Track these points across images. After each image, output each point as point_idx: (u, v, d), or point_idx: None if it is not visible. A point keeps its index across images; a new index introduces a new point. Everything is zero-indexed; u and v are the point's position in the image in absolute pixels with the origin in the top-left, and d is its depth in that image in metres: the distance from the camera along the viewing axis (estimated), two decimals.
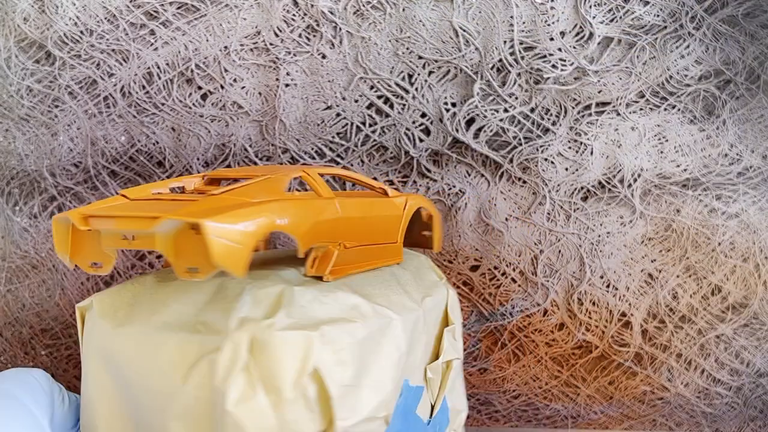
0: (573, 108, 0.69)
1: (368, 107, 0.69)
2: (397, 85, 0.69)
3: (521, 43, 0.68)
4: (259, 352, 0.38)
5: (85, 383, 0.42)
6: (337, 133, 0.70)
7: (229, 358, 0.38)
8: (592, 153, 0.70)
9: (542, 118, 0.69)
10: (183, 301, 0.42)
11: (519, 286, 0.71)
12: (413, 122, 0.69)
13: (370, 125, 0.69)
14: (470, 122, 0.69)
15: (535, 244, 0.71)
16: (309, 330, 0.39)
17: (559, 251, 0.71)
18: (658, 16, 0.67)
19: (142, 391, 0.39)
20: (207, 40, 0.68)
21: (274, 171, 0.48)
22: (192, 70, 0.68)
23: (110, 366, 0.41)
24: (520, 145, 0.69)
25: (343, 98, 0.69)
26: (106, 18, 0.68)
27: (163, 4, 0.67)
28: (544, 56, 0.68)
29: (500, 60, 0.68)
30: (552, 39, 0.68)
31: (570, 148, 0.70)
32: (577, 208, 0.70)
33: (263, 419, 0.38)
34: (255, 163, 0.70)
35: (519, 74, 0.68)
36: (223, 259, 0.36)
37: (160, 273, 0.47)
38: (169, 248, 0.37)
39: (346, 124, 0.69)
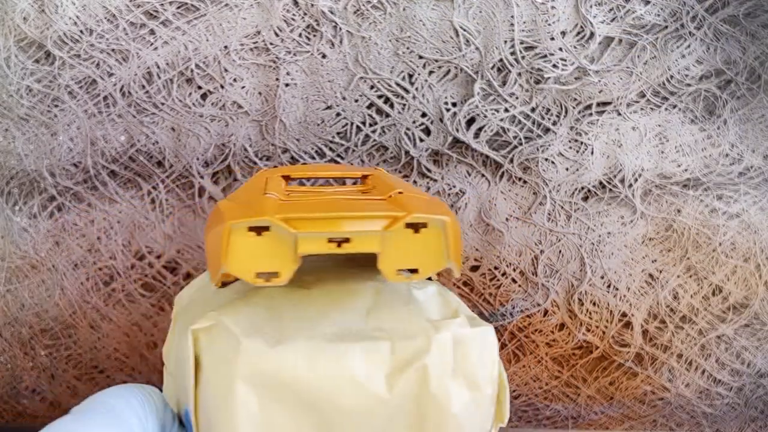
0: (574, 108, 0.69)
1: (368, 107, 0.69)
2: (398, 84, 0.69)
3: (522, 43, 0.68)
4: (460, 352, 0.38)
5: (226, 415, 0.36)
6: (337, 133, 0.69)
7: (440, 362, 0.37)
8: (592, 153, 0.69)
9: (543, 118, 0.69)
10: (341, 309, 0.39)
11: (519, 286, 0.71)
12: (413, 122, 0.69)
13: (370, 125, 0.69)
14: (470, 122, 0.69)
15: (536, 244, 0.70)
16: (487, 326, 0.39)
17: (560, 251, 0.71)
18: (659, 15, 0.67)
19: (329, 411, 0.36)
20: (207, 40, 0.68)
21: (348, 170, 0.47)
22: (192, 70, 0.68)
23: (268, 391, 0.36)
24: (521, 144, 0.69)
25: (343, 98, 0.69)
26: (105, 18, 0.68)
27: (162, 4, 0.67)
28: (545, 56, 0.68)
29: (501, 60, 0.68)
30: (553, 39, 0.67)
31: (570, 148, 0.69)
32: (578, 208, 0.70)
33: (474, 418, 0.37)
34: (255, 164, 0.70)
35: (519, 74, 0.68)
36: (456, 256, 0.36)
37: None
38: (388, 250, 0.36)
39: (346, 123, 0.69)
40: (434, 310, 0.41)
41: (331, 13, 0.67)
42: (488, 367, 0.39)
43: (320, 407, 0.36)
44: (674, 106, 0.69)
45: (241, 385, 0.35)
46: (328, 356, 0.36)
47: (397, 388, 0.36)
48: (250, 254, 0.35)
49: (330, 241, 0.35)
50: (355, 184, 0.53)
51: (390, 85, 0.69)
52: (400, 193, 0.39)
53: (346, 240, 0.35)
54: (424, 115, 0.69)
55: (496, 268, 0.71)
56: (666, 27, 0.67)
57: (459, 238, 0.36)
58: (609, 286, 0.71)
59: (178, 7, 0.68)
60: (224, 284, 0.45)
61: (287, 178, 0.47)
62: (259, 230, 0.35)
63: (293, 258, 0.35)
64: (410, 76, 0.69)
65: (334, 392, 0.35)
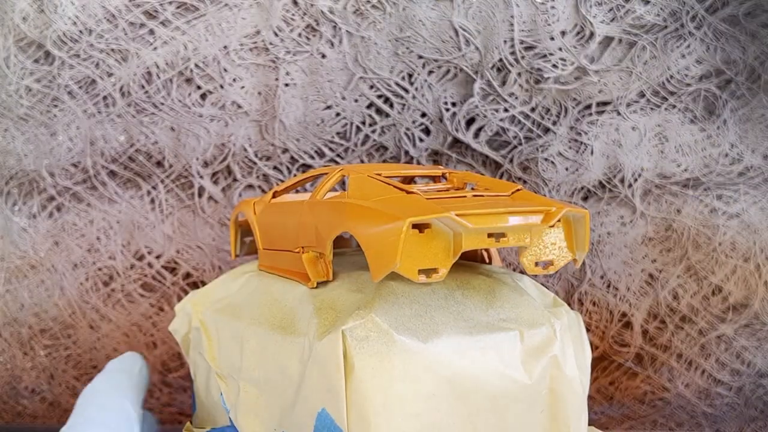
0: (573, 108, 0.69)
1: (368, 107, 0.69)
2: (397, 84, 0.69)
3: (521, 43, 0.68)
4: (571, 336, 0.41)
5: (384, 412, 0.36)
6: (337, 133, 0.69)
7: (562, 347, 0.39)
8: (592, 153, 0.69)
9: (542, 118, 0.69)
10: (463, 303, 0.40)
11: None
12: (413, 122, 0.69)
13: (370, 125, 0.69)
14: (470, 122, 0.69)
15: None
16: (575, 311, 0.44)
17: None
18: (658, 15, 0.67)
19: (478, 400, 0.37)
20: (206, 40, 0.68)
21: (426, 168, 0.49)
22: (191, 70, 0.68)
23: (422, 385, 0.37)
24: (520, 144, 0.69)
25: (343, 98, 0.69)
26: (105, 17, 0.68)
27: (162, 4, 0.67)
28: (545, 56, 0.68)
29: (500, 59, 0.68)
30: (552, 38, 0.67)
31: (570, 148, 0.69)
32: None
33: (584, 398, 0.42)
34: (255, 164, 0.70)
35: (519, 74, 0.68)
36: (584, 246, 0.39)
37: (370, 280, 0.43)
38: (534, 243, 0.38)
39: (346, 123, 0.69)
40: (538, 298, 0.44)
41: (331, 12, 0.67)
42: (588, 348, 0.43)
43: (471, 397, 0.37)
44: (674, 106, 0.69)
45: (398, 381, 0.36)
46: (475, 348, 0.38)
47: (536, 374, 0.38)
48: (413, 252, 0.35)
49: (489, 236, 0.36)
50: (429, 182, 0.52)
51: (389, 85, 0.69)
52: (519, 190, 0.41)
53: (503, 235, 0.37)
54: (423, 115, 0.69)
55: None
56: (666, 27, 0.67)
57: (588, 228, 0.39)
58: (609, 286, 0.71)
59: (178, 7, 0.68)
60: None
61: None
62: (421, 228, 0.35)
63: (452, 254, 0.36)
64: (410, 75, 0.69)
65: (482, 381, 0.37)
